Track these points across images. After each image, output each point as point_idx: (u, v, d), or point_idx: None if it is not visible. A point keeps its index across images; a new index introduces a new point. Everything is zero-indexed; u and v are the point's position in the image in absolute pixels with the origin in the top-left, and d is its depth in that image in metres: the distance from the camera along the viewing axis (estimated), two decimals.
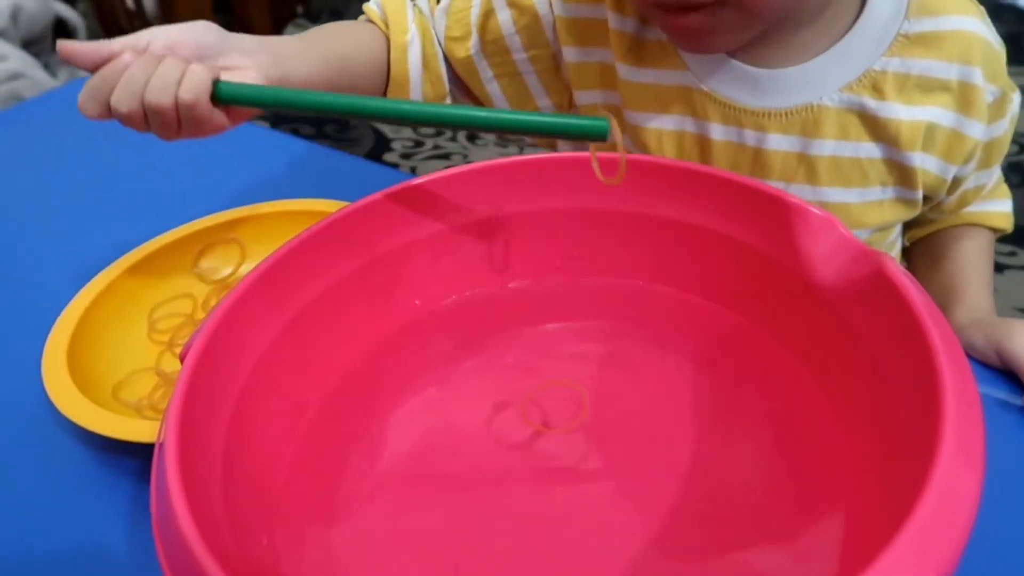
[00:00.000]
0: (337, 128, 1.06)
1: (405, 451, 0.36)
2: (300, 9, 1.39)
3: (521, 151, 1.05)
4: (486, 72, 0.49)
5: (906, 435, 0.28)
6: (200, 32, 0.37)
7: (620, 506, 0.32)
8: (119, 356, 0.47)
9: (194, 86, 0.35)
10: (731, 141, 0.45)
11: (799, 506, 0.31)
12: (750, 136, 0.44)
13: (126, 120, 0.36)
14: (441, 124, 0.35)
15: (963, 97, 0.43)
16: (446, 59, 0.49)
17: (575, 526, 0.32)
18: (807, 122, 0.43)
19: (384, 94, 0.48)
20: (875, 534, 0.26)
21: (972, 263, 0.50)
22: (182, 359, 0.31)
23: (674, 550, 0.30)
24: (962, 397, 0.26)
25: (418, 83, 0.48)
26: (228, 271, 0.53)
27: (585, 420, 0.36)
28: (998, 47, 0.44)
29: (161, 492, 0.26)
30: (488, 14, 0.48)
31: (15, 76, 1.11)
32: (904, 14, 0.42)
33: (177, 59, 0.36)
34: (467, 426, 0.37)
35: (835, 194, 0.45)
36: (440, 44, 0.49)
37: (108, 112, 0.36)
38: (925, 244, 0.53)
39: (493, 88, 0.49)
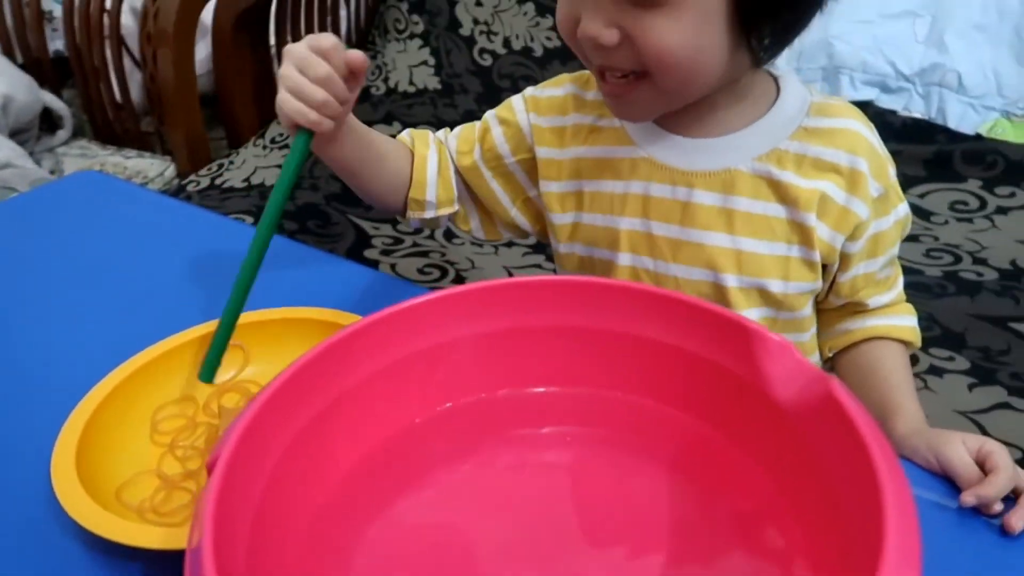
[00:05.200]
0: (319, 224, 1.11)
1: (405, 551, 0.39)
2: None
3: (496, 252, 1.10)
4: (487, 174, 0.61)
5: (857, 537, 0.32)
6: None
7: None
8: (122, 458, 0.49)
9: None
10: (666, 197, 0.54)
11: None
12: (681, 192, 0.53)
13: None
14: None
15: (851, 179, 0.51)
16: (456, 170, 0.61)
17: None
18: (726, 182, 0.52)
19: (407, 191, 0.60)
20: None
21: (901, 377, 0.55)
22: (209, 469, 0.34)
23: None
24: (900, 505, 0.30)
25: (434, 185, 0.60)
26: (231, 374, 0.56)
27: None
28: (883, 153, 0.53)
29: None
30: (486, 131, 0.60)
31: (4, 166, 1.14)
32: (806, 112, 0.53)
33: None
34: (465, 525, 0.40)
35: (748, 243, 0.53)
36: (452, 159, 0.61)
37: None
38: (850, 359, 0.59)
39: (494, 185, 0.61)
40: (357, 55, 0.48)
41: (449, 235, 1.11)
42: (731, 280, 0.53)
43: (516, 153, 0.59)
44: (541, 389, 0.47)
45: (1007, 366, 0.86)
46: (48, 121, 1.41)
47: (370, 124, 1.60)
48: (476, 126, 0.61)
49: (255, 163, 1.26)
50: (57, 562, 0.44)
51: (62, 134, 1.39)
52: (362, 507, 0.40)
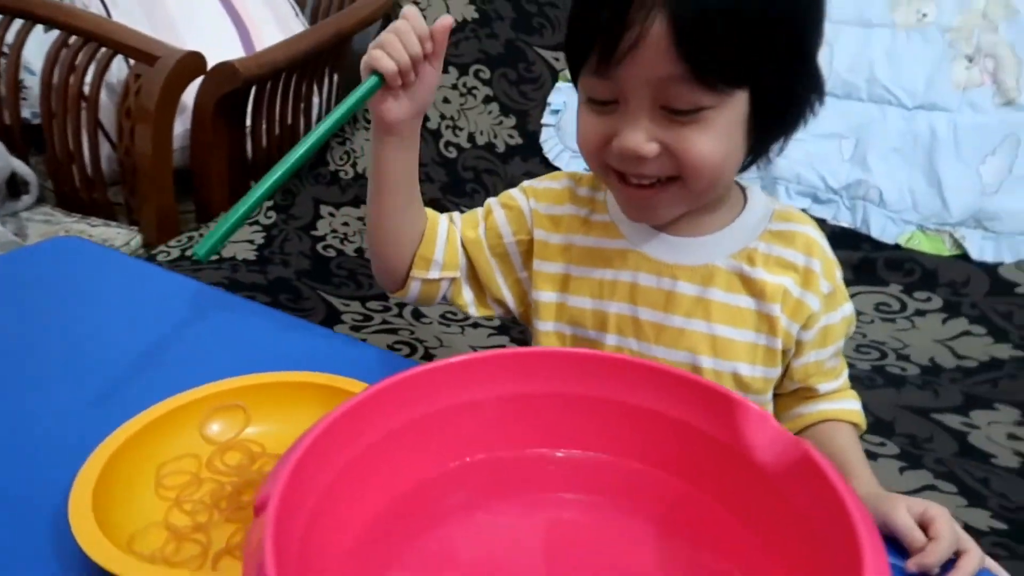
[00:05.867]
0: (291, 299, 1.14)
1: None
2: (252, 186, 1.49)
3: (463, 331, 1.15)
4: (487, 251, 0.66)
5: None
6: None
7: None
8: (130, 511, 0.51)
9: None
10: (652, 286, 0.61)
11: None
12: (666, 282, 0.60)
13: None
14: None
15: (805, 276, 0.60)
16: (463, 244, 0.66)
17: None
18: (705, 275, 0.60)
19: (416, 248, 0.65)
20: None
21: (853, 450, 0.62)
22: (258, 510, 0.37)
23: None
24: (874, 548, 0.36)
25: (443, 246, 0.65)
26: (233, 433, 0.58)
27: None
28: (831, 257, 0.62)
29: None
30: (488, 212, 0.67)
31: None
32: (769, 217, 0.61)
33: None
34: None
35: (722, 330, 0.60)
36: (458, 231, 0.67)
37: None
38: (807, 437, 0.64)
39: (492, 262, 0.67)
40: (443, 19, 0.57)
41: (417, 314, 1.16)
42: (707, 362, 0.59)
43: (516, 234, 0.65)
44: (544, 451, 0.51)
45: (931, 452, 0.94)
46: (12, 186, 1.41)
47: (338, 207, 1.64)
48: (478, 210, 0.68)
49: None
50: None
51: (27, 199, 1.39)
52: (382, 552, 0.43)
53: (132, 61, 1.36)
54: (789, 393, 0.65)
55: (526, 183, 0.67)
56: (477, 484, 0.49)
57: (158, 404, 0.58)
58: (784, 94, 0.54)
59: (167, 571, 0.43)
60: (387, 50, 0.55)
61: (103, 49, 1.37)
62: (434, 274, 0.65)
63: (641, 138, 0.53)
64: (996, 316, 1.16)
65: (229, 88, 1.28)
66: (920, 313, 1.19)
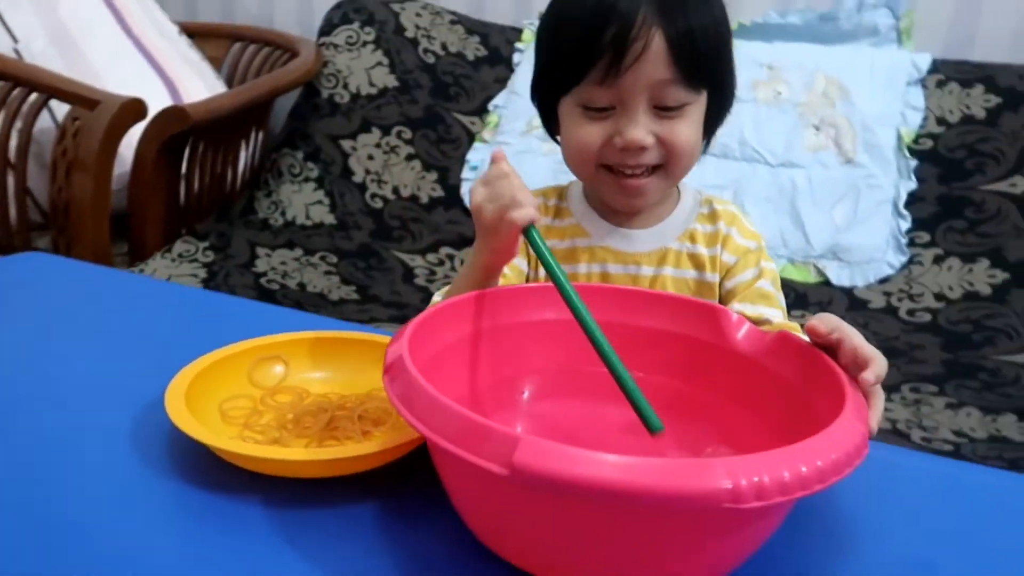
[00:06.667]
0: None
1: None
2: (184, 231, 1.53)
3: None
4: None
5: (820, 416, 0.50)
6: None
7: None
8: (205, 431, 0.56)
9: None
10: (620, 273, 0.74)
11: None
12: (631, 268, 0.74)
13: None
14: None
15: (724, 240, 0.74)
16: None
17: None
18: (659, 258, 0.74)
19: None
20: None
21: None
22: (388, 370, 0.46)
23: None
24: (855, 391, 0.49)
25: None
26: (278, 380, 0.65)
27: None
28: (753, 228, 0.75)
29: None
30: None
31: None
32: (700, 203, 0.75)
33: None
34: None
35: None
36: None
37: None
38: None
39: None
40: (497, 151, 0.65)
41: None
42: None
43: (528, 263, 0.76)
44: (556, 368, 0.62)
45: None
46: None
47: (273, 248, 1.69)
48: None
49: (168, 271, 1.31)
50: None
51: None
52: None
53: (59, 113, 1.38)
54: None
55: None
56: (526, 387, 0.60)
57: (204, 356, 0.63)
58: (725, 93, 0.71)
59: (258, 447, 0.50)
60: (518, 201, 0.60)
61: (32, 97, 1.39)
62: None
63: (642, 132, 0.67)
64: (855, 327, 1.39)
65: (176, 131, 1.34)
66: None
